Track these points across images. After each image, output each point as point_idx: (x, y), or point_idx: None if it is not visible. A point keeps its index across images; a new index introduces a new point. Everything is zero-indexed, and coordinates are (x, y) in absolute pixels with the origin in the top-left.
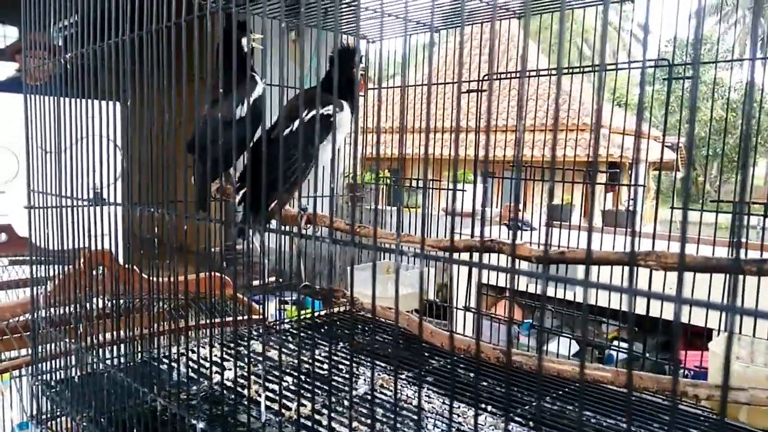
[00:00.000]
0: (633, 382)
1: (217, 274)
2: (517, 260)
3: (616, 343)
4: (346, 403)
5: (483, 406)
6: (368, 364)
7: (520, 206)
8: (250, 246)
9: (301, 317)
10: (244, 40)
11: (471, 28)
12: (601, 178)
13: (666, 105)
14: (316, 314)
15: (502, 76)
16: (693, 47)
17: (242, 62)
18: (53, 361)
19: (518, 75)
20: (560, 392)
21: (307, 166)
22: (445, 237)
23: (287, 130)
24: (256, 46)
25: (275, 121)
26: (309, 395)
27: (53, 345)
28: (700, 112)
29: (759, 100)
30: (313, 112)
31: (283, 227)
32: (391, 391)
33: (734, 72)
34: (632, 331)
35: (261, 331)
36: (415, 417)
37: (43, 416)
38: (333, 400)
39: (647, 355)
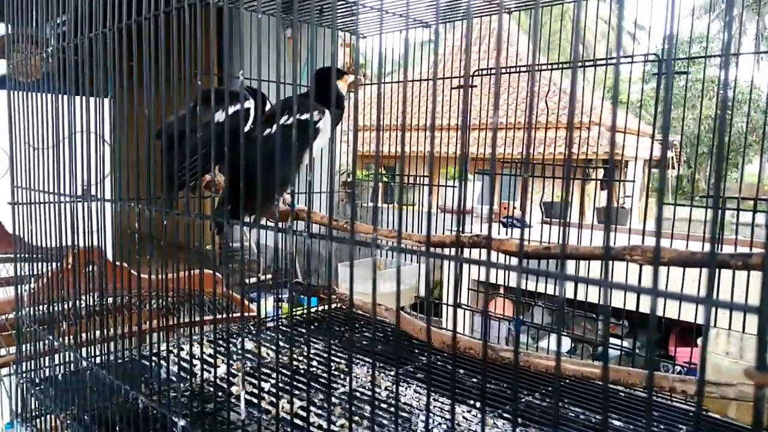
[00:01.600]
0: (621, 377)
1: (208, 271)
2: (504, 255)
3: (610, 340)
4: (334, 400)
5: (471, 402)
6: (357, 361)
7: (517, 204)
8: (243, 243)
9: (293, 314)
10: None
11: (469, 23)
12: (595, 175)
13: (656, 101)
14: (305, 311)
15: (504, 71)
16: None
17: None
18: (38, 359)
19: (519, 70)
20: (549, 389)
21: (288, 171)
22: (443, 234)
23: (265, 133)
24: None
25: (253, 124)
26: (292, 392)
27: (38, 343)
28: (696, 109)
29: (748, 99)
30: (292, 118)
31: (270, 223)
32: (379, 388)
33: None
34: (607, 323)
35: (251, 328)
36: (405, 414)
37: (28, 414)
38: (318, 397)
39: (637, 351)
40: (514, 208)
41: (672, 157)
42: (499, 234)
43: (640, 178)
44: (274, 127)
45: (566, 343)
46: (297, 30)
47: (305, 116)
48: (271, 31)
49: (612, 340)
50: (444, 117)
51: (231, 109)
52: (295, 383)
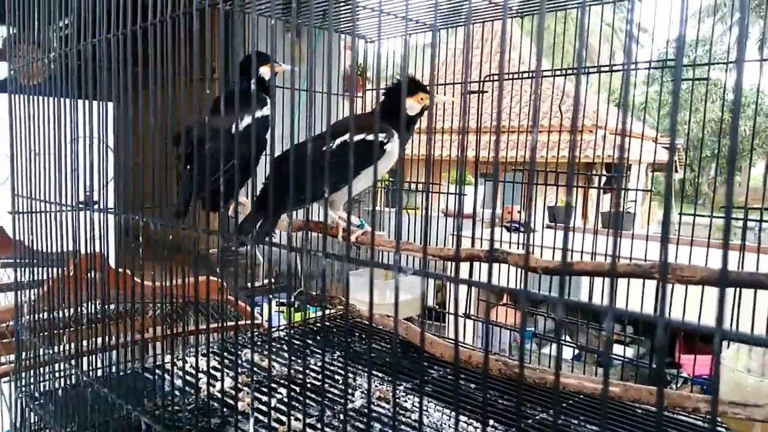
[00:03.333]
0: (643, 398)
1: (212, 278)
2: (523, 271)
3: (615, 346)
4: (341, 416)
5: (483, 419)
6: (364, 373)
7: (519, 208)
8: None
9: (296, 323)
10: (263, 69)
11: (472, 28)
12: (598, 180)
13: (674, 105)
14: (311, 319)
15: (513, 76)
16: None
17: (259, 86)
18: (37, 372)
19: (531, 75)
20: (564, 405)
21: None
22: (445, 242)
23: (326, 148)
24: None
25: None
26: (301, 408)
27: (37, 354)
28: (698, 113)
29: (756, 102)
30: (362, 135)
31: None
32: (389, 403)
33: (732, 73)
34: (609, 347)
35: (255, 338)
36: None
37: (27, 430)
38: (327, 413)
39: (640, 361)
40: (518, 212)
41: (675, 161)
42: (509, 239)
43: (643, 181)
44: (335, 143)
45: (571, 351)
46: (298, 33)
47: (370, 137)
48: (277, 35)
49: (616, 346)
50: (447, 120)
51: (257, 114)
52: (303, 398)
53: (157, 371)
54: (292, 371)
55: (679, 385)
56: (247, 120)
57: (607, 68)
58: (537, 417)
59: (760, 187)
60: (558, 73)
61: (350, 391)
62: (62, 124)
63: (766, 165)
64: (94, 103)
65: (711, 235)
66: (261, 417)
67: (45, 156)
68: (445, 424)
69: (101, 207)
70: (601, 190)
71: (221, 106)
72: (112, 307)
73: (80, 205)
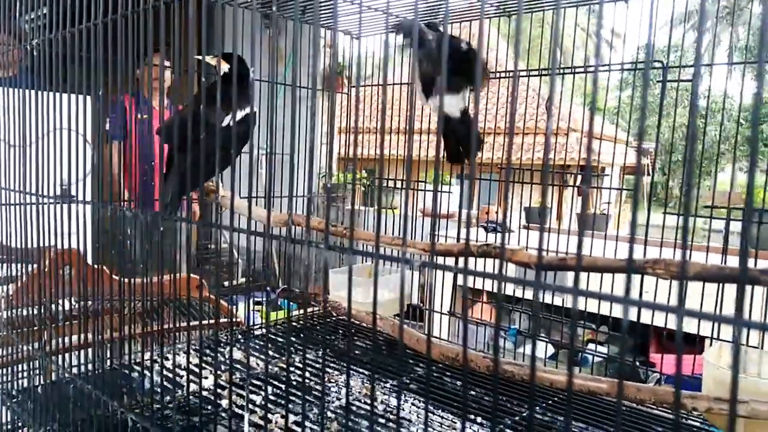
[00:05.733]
0: (630, 393)
1: (191, 275)
2: (513, 266)
3: (590, 346)
4: (329, 414)
5: (471, 417)
6: (351, 372)
7: (498, 208)
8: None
9: (277, 321)
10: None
11: (451, 27)
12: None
13: (660, 107)
14: (293, 317)
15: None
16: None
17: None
18: (14, 369)
19: (509, 75)
20: (549, 402)
21: None
22: (423, 240)
23: None
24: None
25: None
26: (285, 405)
27: (14, 351)
28: (670, 117)
29: (723, 108)
30: None
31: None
32: (375, 400)
33: (701, 78)
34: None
35: (237, 335)
36: (404, 429)
37: (4, 429)
38: (313, 410)
39: (613, 356)
40: (495, 212)
41: (647, 164)
42: (486, 239)
43: (617, 184)
44: None
45: (541, 347)
46: (278, 27)
47: None
48: (256, 28)
49: (591, 346)
50: (426, 120)
51: (240, 114)
52: (287, 395)
53: (137, 368)
54: (275, 369)
55: (652, 384)
56: (240, 115)
57: (581, 69)
58: (524, 414)
59: (728, 190)
60: (533, 73)
61: (334, 388)
62: (40, 116)
63: (732, 169)
64: (73, 95)
65: (678, 237)
66: (245, 414)
67: (22, 148)
68: (433, 422)
69: (80, 200)
70: (575, 192)
71: (216, 98)
72: (90, 303)
73: (57, 199)
